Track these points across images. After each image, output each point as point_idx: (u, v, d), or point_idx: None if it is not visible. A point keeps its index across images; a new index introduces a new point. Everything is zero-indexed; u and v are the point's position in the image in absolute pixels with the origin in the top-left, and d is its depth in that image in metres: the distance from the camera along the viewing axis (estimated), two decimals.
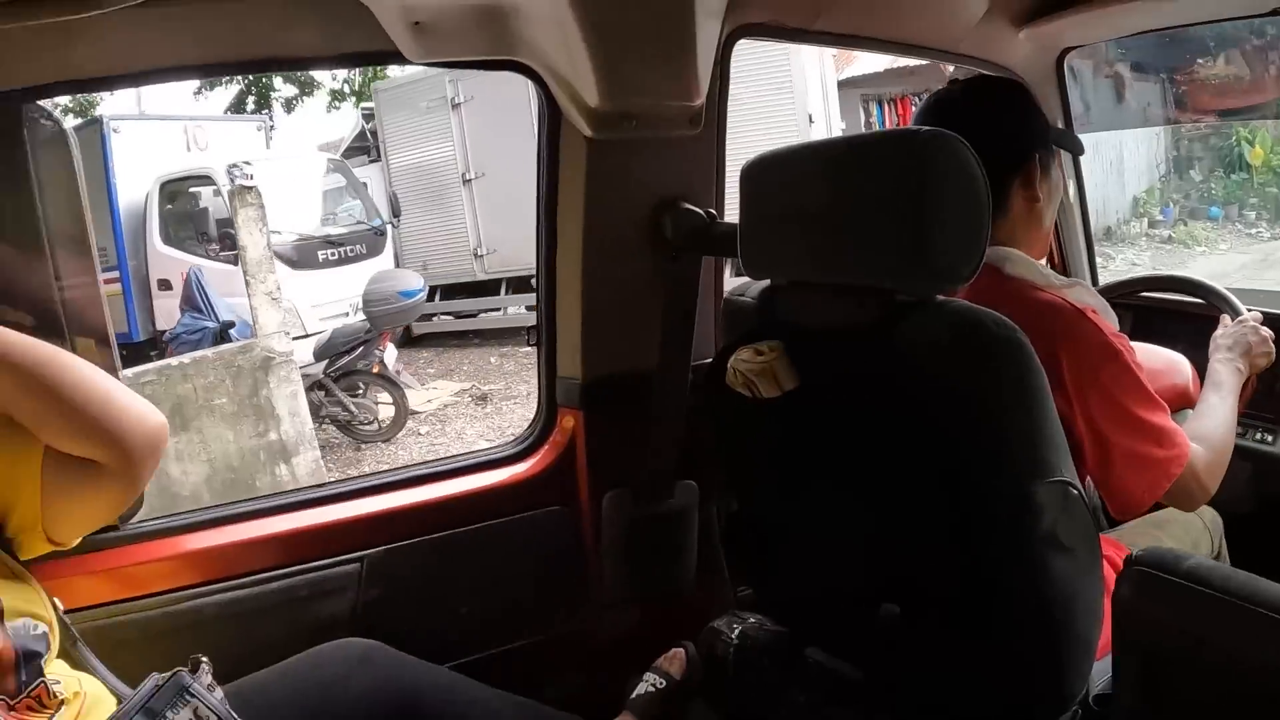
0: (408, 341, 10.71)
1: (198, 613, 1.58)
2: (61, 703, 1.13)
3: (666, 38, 1.25)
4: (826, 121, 8.96)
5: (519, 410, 7.58)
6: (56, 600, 1.23)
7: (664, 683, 1.54)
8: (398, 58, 1.40)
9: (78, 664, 1.23)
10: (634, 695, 1.54)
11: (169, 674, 1.15)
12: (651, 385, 1.64)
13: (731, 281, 1.63)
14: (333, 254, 8.71)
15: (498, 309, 10.47)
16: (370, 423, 7.01)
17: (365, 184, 10.82)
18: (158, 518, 1.72)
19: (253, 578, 1.63)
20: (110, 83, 1.37)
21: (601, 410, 1.73)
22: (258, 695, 1.30)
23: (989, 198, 1.08)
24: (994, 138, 1.22)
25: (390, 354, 7.16)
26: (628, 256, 1.64)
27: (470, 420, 7.62)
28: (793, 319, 1.35)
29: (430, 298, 10.67)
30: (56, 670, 1.16)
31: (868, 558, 1.28)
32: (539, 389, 1.82)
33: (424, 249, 10.86)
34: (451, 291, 10.84)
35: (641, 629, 1.75)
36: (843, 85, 10.12)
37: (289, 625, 1.61)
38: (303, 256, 8.41)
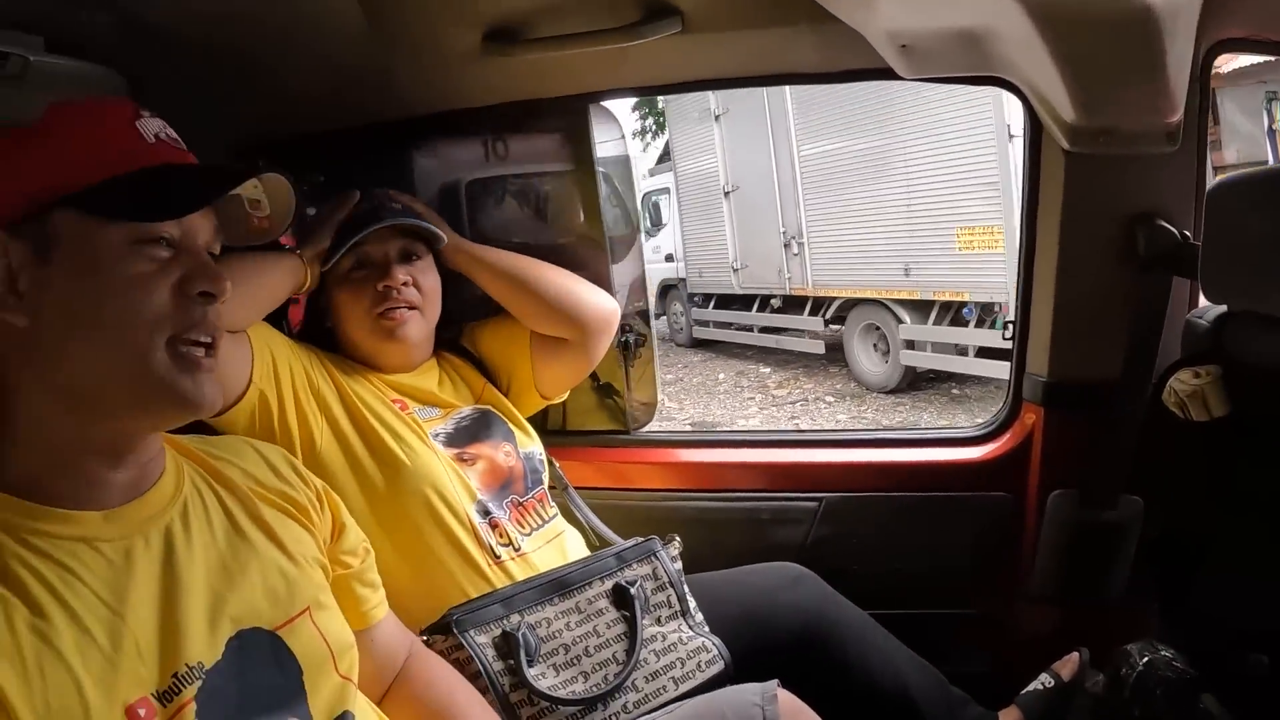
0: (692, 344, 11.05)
1: (674, 511, 1.93)
2: (553, 516, 1.61)
3: (1136, 57, 1.20)
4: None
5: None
6: (555, 461, 1.73)
7: (1052, 683, 1.58)
8: (890, 74, 1.52)
9: (565, 510, 1.68)
10: (1025, 690, 1.60)
11: (645, 537, 1.53)
12: (1112, 394, 1.61)
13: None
14: None
15: (789, 329, 9.67)
16: None
17: (665, 190, 11.00)
18: (658, 431, 2.13)
19: (726, 494, 1.94)
20: (652, 90, 1.69)
21: (1061, 410, 1.74)
22: (704, 587, 1.57)
23: None
24: None
25: None
26: (1099, 266, 1.62)
27: None
28: (1239, 347, 1.28)
29: (706, 305, 10.73)
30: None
31: None
32: (1009, 380, 1.87)
33: (700, 257, 10.67)
34: (728, 301, 10.49)
35: (1052, 629, 1.76)
36: (1231, 78, 7.77)
37: (746, 540, 1.89)
38: None
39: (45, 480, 0.86)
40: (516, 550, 1.50)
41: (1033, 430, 1.79)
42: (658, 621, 1.46)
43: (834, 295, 8.60)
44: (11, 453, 0.87)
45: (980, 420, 1.99)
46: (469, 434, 1.60)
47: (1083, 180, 1.57)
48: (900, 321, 7.79)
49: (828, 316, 8.73)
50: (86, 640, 0.80)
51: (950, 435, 1.96)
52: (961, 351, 7.33)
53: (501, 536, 1.50)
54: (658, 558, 1.51)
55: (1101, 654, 1.57)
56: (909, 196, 7.47)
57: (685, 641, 1.44)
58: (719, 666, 1.43)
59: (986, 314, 7.02)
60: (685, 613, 1.49)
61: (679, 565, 1.53)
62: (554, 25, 1.52)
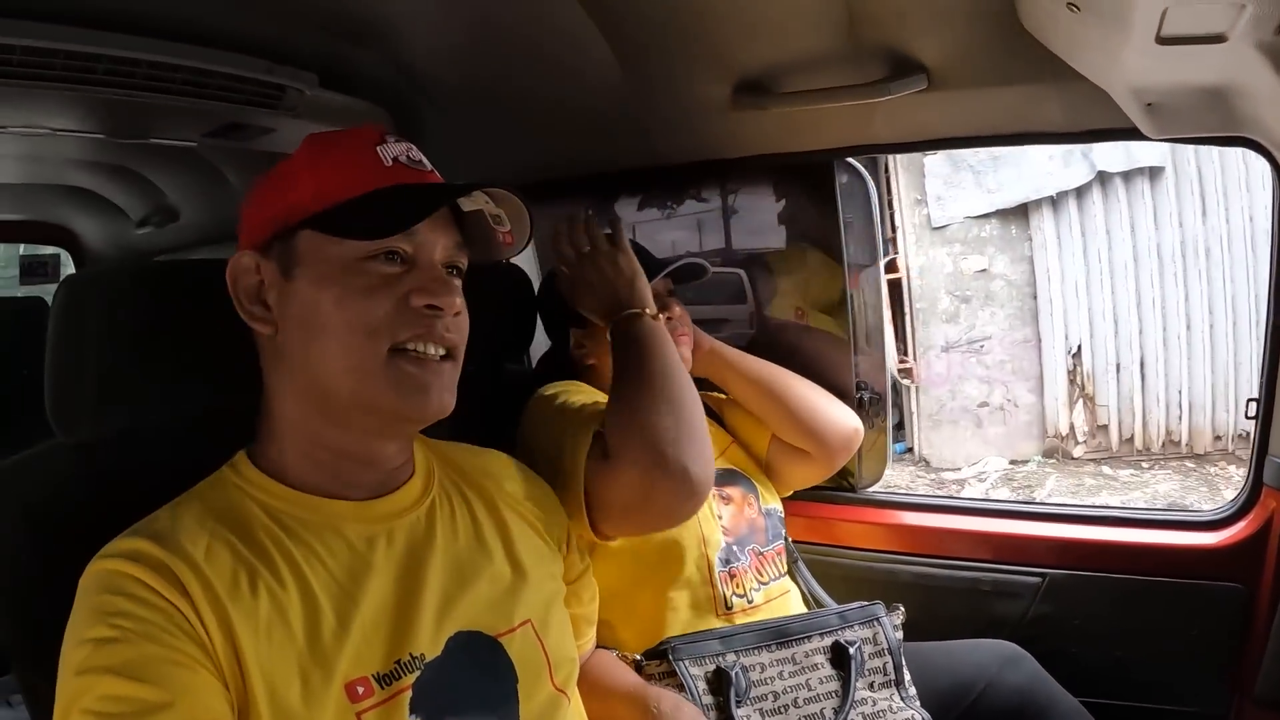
0: None
1: (892, 574, 1.92)
2: (784, 573, 1.64)
3: None
4: None
5: None
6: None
7: None
8: (1135, 134, 1.49)
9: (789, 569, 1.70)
10: None
11: (870, 601, 1.54)
12: None
13: None
14: None
15: None
16: None
17: None
18: (883, 491, 2.13)
19: (947, 561, 1.90)
20: (898, 148, 1.75)
21: None
22: (917, 655, 1.56)
23: None
24: None
25: None
26: None
27: None
28: None
29: None
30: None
31: None
32: (1249, 462, 1.74)
33: None
34: None
35: None
36: None
37: (964, 611, 1.85)
38: None
39: (300, 471, 0.97)
40: (750, 603, 1.55)
41: (1272, 518, 1.65)
42: (870, 686, 1.46)
43: None
44: (274, 445, 0.98)
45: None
46: (721, 479, 1.65)
47: None
48: None
49: None
50: (317, 615, 0.88)
51: (1182, 518, 1.83)
52: None
53: (738, 587, 1.55)
54: (880, 624, 1.52)
55: None
56: None
57: (895, 711, 1.44)
58: None
59: None
60: (899, 682, 1.48)
61: (900, 635, 1.53)
62: (802, 80, 1.62)
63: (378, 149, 0.97)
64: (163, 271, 1.24)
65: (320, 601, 0.89)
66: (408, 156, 0.99)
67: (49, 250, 3.21)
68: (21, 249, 3.33)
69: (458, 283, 1.00)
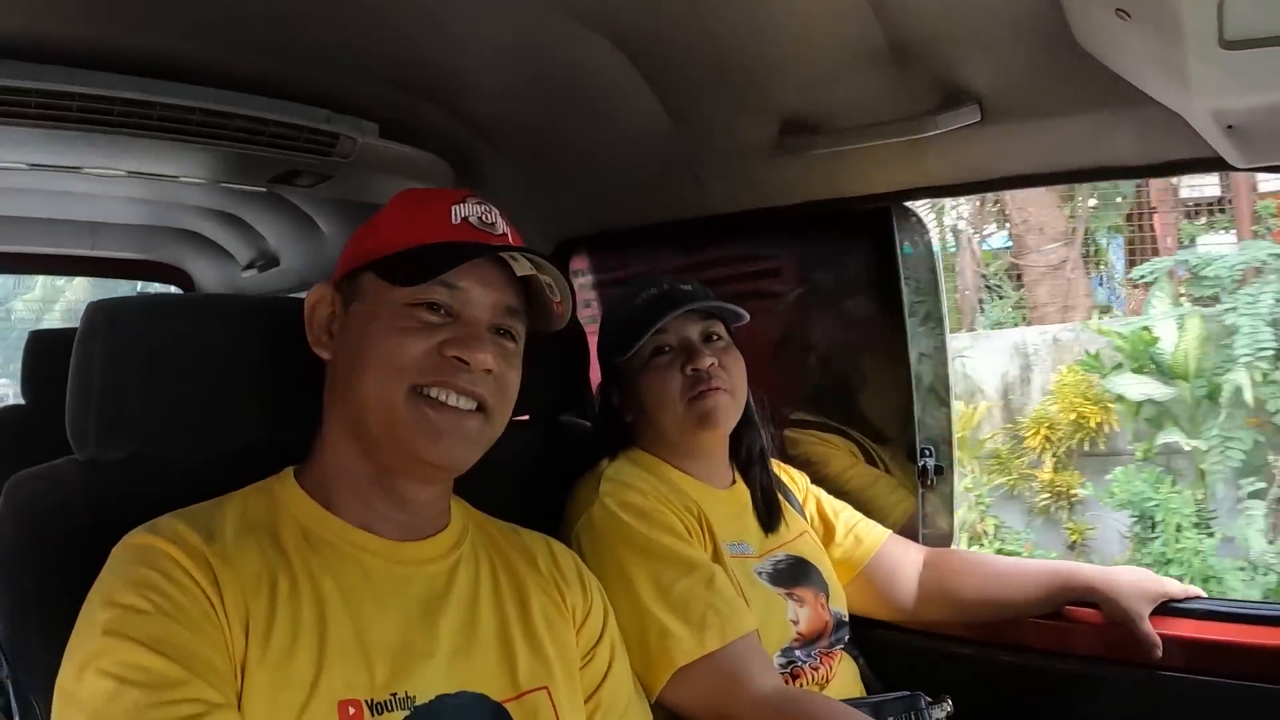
0: None
1: (975, 657, 1.62)
2: (833, 669, 1.47)
3: None
4: None
5: None
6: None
7: None
8: (1219, 164, 1.32)
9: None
10: None
11: (911, 692, 1.38)
12: None
13: None
14: None
15: None
16: None
17: None
18: None
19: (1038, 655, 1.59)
20: (957, 190, 1.61)
21: None
22: None
23: None
24: None
25: None
26: None
27: None
28: None
29: None
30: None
31: None
32: None
33: None
34: None
35: None
36: None
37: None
38: None
39: (337, 496, 1.02)
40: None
41: None
42: None
43: None
44: (319, 465, 1.04)
45: None
46: (790, 576, 1.50)
47: None
48: None
49: None
50: (325, 630, 0.92)
51: None
52: None
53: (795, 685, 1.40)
54: (921, 715, 1.36)
55: None
56: None
57: None
58: None
59: None
60: None
61: None
62: (848, 115, 1.54)
63: (453, 207, 1.04)
64: (177, 304, 1.31)
65: (330, 618, 0.93)
66: (479, 218, 1.04)
67: (168, 289, 3.47)
68: (139, 286, 3.56)
69: (509, 345, 1.05)
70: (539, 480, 1.48)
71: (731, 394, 1.48)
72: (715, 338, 1.51)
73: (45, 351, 2.12)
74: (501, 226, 1.06)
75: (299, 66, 1.70)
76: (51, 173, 2.10)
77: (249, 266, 3.04)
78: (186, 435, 1.10)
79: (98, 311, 1.06)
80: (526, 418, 1.58)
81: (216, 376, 1.09)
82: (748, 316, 1.54)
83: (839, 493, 1.75)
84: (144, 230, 3.01)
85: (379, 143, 1.87)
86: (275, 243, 2.84)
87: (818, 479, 1.76)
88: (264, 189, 2.13)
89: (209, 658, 0.85)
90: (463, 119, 1.90)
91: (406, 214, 1.06)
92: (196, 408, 1.09)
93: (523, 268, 1.03)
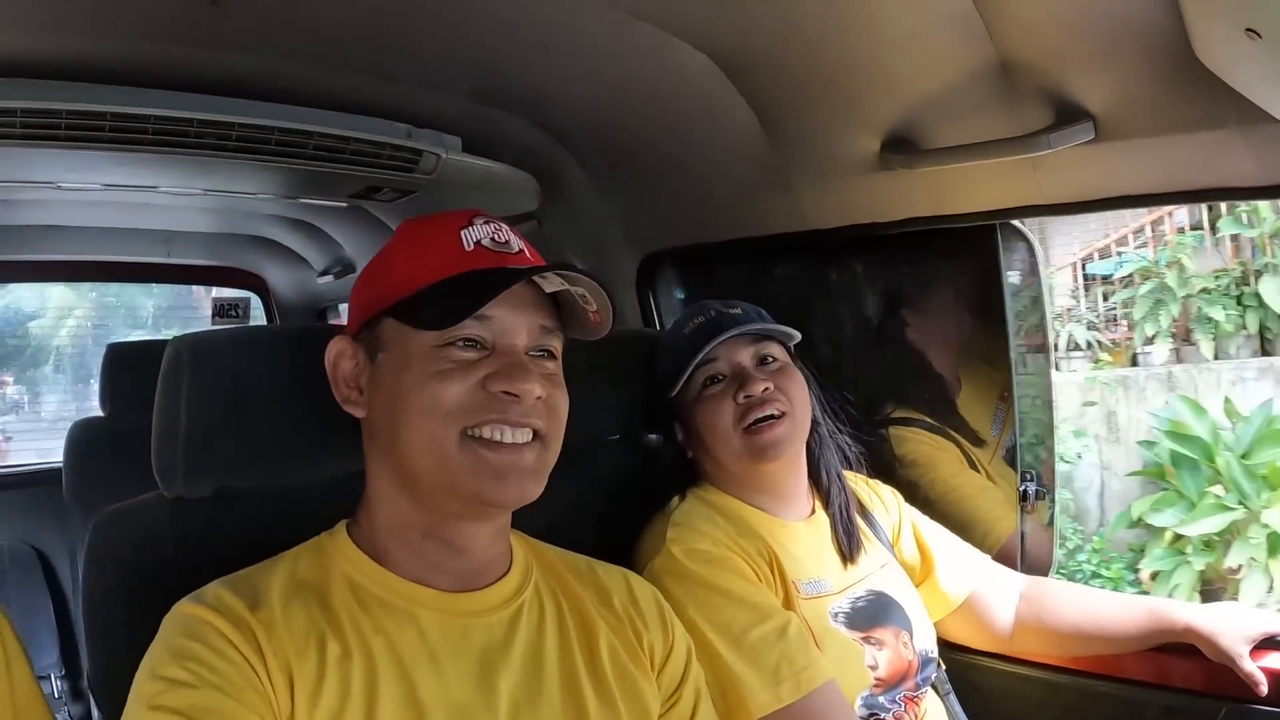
0: None
1: (1078, 692, 1.58)
2: (919, 715, 1.40)
3: None
4: None
5: None
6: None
7: None
8: None
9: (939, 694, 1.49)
10: None
11: None
12: None
13: None
14: None
15: None
16: None
17: None
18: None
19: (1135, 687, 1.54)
20: (1066, 209, 1.54)
21: None
22: None
23: None
24: None
25: None
26: None
27: None
28: None
29: None
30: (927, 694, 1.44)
31: None
32: None
33: None
34: None
35: None
36: None
37: None
38: None
39: (391, 550, 0.98)
40: None
41: None
42: None
43: None
44: (369, 521, 1.00)
45: None
46: (869, 617, 1.40)
47: None
48: None
49: None
50: (372, 695, 0.89)
51: None
52: None
53: None
54: None
55: None
56: None
57: None
58: None
59: None
60: None
61: None
62: (954, 134, 1.48)
63: (462, 232, 0.98)
64: (262, 337, 1.31)
65: (381, 682, 0.90)
66: (492, 239, 0.99)
67: (241, 293, 3.49)
68: (213, 291, 3.65)
69: (550, 365, 1.00)
70: (630, 498, 1.46)
71: (792, 417, 1.41)
72: (769, 360, 1.45)
73: (123, 364, 2.16)
74: (516, 244, 1.01)
75: (379, 82, 1.70)
76: (128, 190, 2.12)
77: (325, 273, 3.05)
78: (271, 469, 1.09)
79: (182, 347, 1.05)
80: (617, 436, 1.57)
81: (300, 408, 1.07)
82: (799, 336, 1.49)
83: (944, 497, 1.72)
84: (220, 238, 3.06)
85: (462, 158, 1.86)
86: (352, 251, 2.85)
87: (924, 480, 1.73)
88: (344, 204, 2.12)
89: None
90: (546, 132, 1.88)
91: (416, 249, 1.00)
92: (280, 441, 1.09)
93: (552, 284, 0.98)
